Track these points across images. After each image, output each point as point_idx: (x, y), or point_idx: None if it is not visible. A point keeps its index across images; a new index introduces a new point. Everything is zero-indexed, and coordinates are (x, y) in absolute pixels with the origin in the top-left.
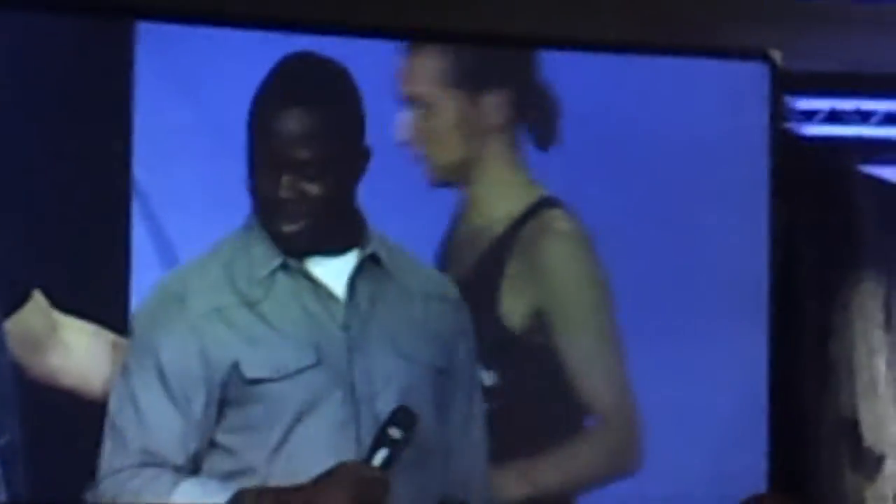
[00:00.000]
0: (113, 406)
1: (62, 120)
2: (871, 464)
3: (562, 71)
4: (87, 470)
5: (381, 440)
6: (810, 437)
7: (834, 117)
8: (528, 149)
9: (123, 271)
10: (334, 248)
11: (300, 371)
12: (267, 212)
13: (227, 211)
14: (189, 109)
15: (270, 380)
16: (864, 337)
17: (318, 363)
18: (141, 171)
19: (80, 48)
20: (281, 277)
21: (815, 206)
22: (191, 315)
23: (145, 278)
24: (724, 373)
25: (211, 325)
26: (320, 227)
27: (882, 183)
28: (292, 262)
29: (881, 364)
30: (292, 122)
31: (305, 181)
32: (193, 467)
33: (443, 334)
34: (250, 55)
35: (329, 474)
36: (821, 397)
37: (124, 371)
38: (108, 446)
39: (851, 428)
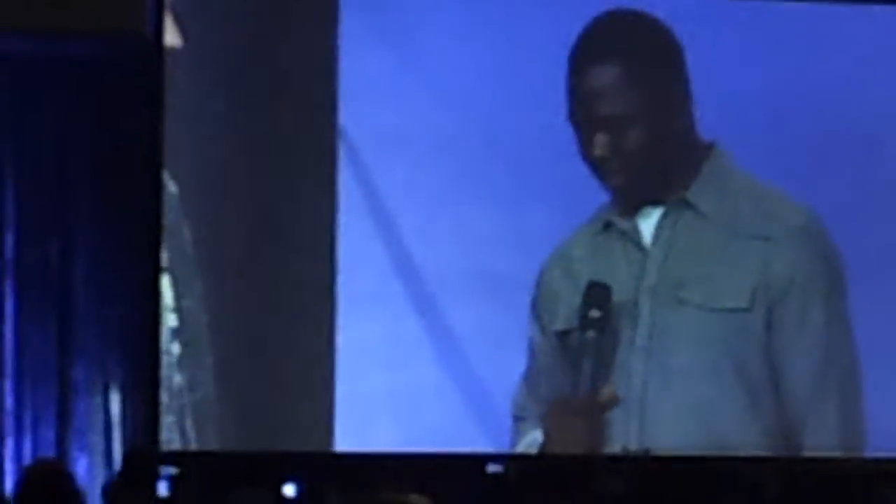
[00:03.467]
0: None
1: (268, 66)
2: None
3: (770, 22)
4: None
5: (584, 324)
6: None
7: None
8: None
9: (330, 217)
10: (657, 200)
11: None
12: (594, 170)
13: (436, 156)
14: (394, 57)
15: (566, 331)
16: None
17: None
18: (347, 117)
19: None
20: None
21: None
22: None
23: (352, 223)
24: None
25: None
26: (642, 181)
27: None
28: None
29: None
30: (601, 73)
31: (621, 138)
32: None
33: (750, 275)
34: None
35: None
36: None
37: None
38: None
39: None
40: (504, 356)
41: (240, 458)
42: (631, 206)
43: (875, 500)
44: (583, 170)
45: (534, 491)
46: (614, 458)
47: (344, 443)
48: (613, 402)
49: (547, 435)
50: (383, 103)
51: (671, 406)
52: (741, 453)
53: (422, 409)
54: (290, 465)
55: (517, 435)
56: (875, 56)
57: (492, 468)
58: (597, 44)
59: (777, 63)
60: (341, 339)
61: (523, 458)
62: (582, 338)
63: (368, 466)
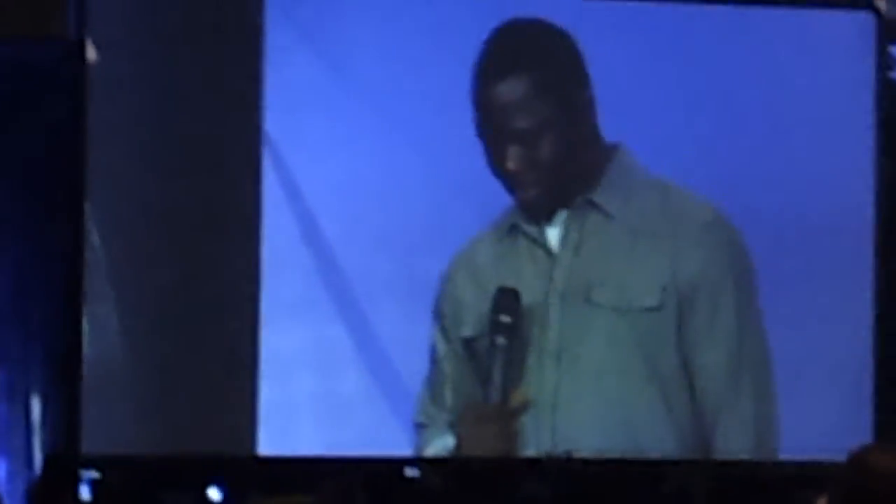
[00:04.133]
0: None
1: (194, 72)
2: None
3: (669, 24)
4: None
5: (494, 330)
6: None
7: None
8: None
9: (254, 217)
10: (564, 204)
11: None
12: (505, 183)
13: (357, 159)
14: (319, 62)
15: (474, 338)
16: None
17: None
18: (272, 123)
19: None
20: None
21: None
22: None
23: (276, 223)
24: (829, 324)
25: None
26: (561, 198)
27: None
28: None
29: None
30: (510, 88)
31: (534, 150)
32: None
33: (660, 274)
34: (378, 9)
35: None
36: None
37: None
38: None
39: None
40: (428, 361)
41: (163, 462)
42: (537, 210)
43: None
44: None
45: (454, 495)
46: (537, 462)
47: (268, 448)
48: (525, 406)
49: (459, 441)
50: (308, 109)
51: (585, 409)
52: (659, 454)
53: (346, 415)
54: (214, 469)
55: (422, 441)
56: (776, 56)
57: (409, 472)
58: (501, 57)
59: (677, 63)
60: (265, 345)
61: (443, 462)
62: (492, 343)
63: (290, 471)
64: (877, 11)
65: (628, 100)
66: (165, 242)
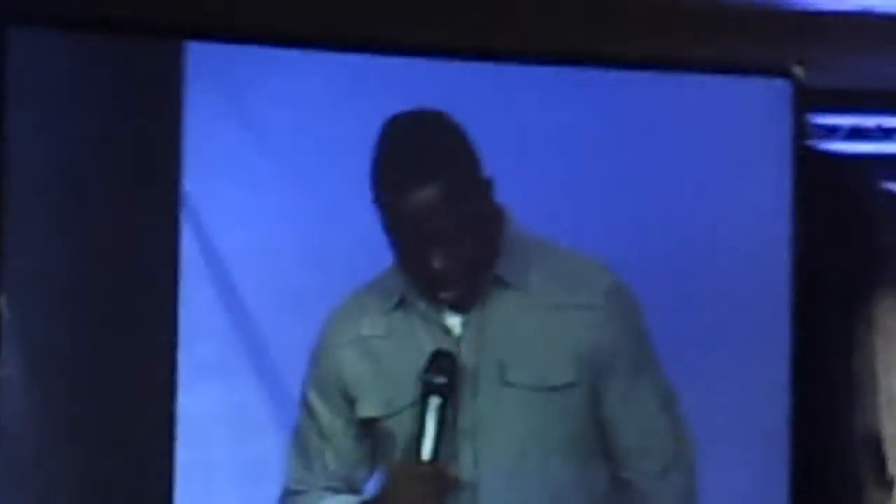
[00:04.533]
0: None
1: (111, 138)
2: (890, 482)
3: (580, 89)
4: None
5: (427, 390)
6: (833, 455)
7: (856, 134)
8: None
9: (172, 285)
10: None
11: (407, 407)
12: (421, 281)
13: (280, 226)
14: (239, 127)
15: (375, 419)
16: (886, 353)
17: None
18: (192, 185)
19: (128, 67)
20: (400, 315)
21: (838, 223)
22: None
23: (196, 292)
24: (744, 390)
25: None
26: (475, 286)
27: None
28: (410, 298)
29: None
30: (425, 195)
31: (455, 248)
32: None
33: (571, 347)
34: (300, 74)
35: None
36: (844, 414)
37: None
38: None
39: (875, 445)
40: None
41: None
42: (430, 286)
43: None
44: None
45: None
46: None
47: None
48: (456, 483)
49: (384, 496)
50: (228, 174)
51: (508, 488)
52: None
53: (264, 477)
54: None
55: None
56: (689, 121)
57: None
58: (403, 161)
59: (568, 128)
60: (182, 409)
61: None
62: (424, 403)
63: None
64: (794, 78)
65: (511, 164)
66: (79, 303)
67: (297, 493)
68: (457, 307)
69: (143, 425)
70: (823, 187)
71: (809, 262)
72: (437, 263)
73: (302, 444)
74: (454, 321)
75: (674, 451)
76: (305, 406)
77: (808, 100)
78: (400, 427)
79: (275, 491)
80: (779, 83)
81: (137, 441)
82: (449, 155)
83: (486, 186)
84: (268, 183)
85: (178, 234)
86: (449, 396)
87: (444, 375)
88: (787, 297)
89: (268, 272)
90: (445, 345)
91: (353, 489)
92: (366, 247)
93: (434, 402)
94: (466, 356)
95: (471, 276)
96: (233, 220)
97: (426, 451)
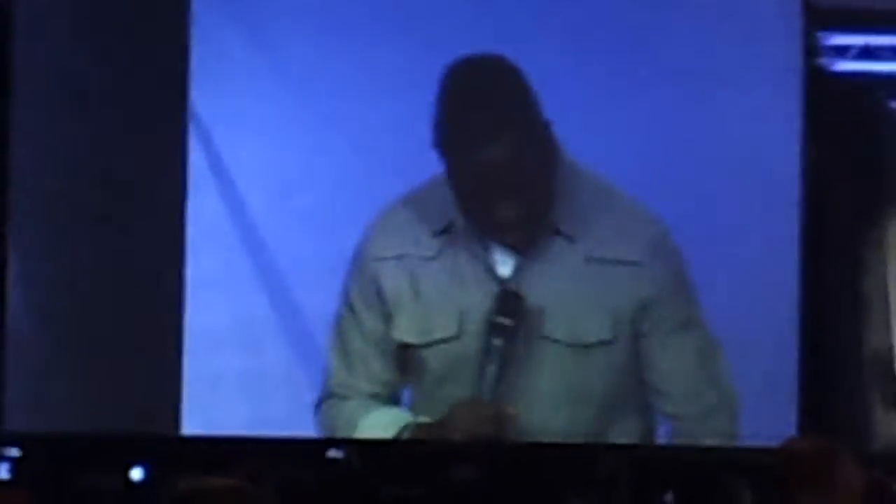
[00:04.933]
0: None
1: (119, 53)
2: None
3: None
4: None
5: (493, 330)
6: (843, 376)
7: (867, 53)
8: None
9: (180, 198)
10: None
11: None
12: (484, 225)
13: (283, 134)
14: (247, 42)
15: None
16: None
17: (458, 336)
18: (198, 99)
19: None
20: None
21: (848, 143)
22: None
23: (202, 199)
24: (754, 311)
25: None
26: (535, 233)
27: None
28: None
29: None
30: (493, 151)
31: (519, 196)
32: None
33: (612, 304)
34: None
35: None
36: (853, 336)
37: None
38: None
39: (884, 366)
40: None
41: (85, 441)
42: (492, 231)
43: (718, 487)
44: (429, 159)
45: (381, 477)
46: (466, 447)
47: (192, 424)
48: (513, 421)
49: (448, 428)
50: (236, 87)
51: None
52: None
53: (271, 392)
54: (137, 449)
55: (342, 413)
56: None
57: (332, 453)
58: (470, 115)
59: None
60: (190, 321)
61: (369, 443)
62: (488, 344)
63: (215, 451)
64: None
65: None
66: (89, 218)
67: (340, 397)
68: (516, 251)
69: (152, 337)
70: (833, 107)
71: (819, 184)
72: (502, 211)
73: (344, 344)
74: (505, 265)
75: (717, 397)
76: (348, 305)
77: (818, 18)
78: (432, 359)
79: (279, 402)
80: (788, 2)
81: (146, 353)
82: (514, 105)
83: (546, 129)
84: (276, 98)
85: (185, 148)
86: (512, 339)
87: (510, 317)
88: (796, 218)
89: (275, 187)
90: (492, 286)
91: (395, 398)
92: (377, 163)
93: (497, 343)
94: (508, 305)
95: (532, 223)
96: (241, 135)
97: (486, 389)
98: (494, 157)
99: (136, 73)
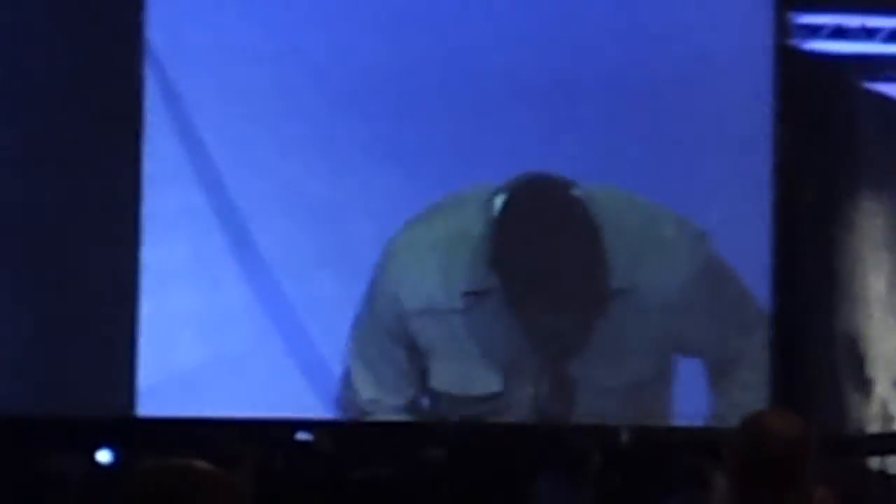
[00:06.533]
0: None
1: None
2: (868, 383)
3: None
4: None
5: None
6: (812, 353)
7: (839, 33)
8: None
9: (135, 132)
10: None
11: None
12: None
13: (243, 72)
14: None
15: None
16: (865, 255)
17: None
18: (154, 31)
19: None
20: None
21: (819, 124)
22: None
23: (158, 143)
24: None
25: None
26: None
27: (886, 100)
28: None
29: (881, 284)
30: (544, 284)
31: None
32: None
33: (651, 347)
34: None
35: None
36: (823, 316)
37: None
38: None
39: (854, 347)
40: (313, 277)
41: (50, 423)
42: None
43: (684, 467)
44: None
45: (352, 458)
46: (434, 426)
47: (147, 365)
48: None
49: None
50: (191, 18)
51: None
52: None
53: (228, 330)
54: (104, 431)
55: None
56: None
57: (301, 436)
58: (525, 245)
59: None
60: (146, 258)
61: (337, 425)
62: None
63: (180, 432)
64: None
65: None
66: (39, 149)
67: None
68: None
69: (107, 275)
70: (804, 87)
71: (790, 163)
72: (547, 321)
73: (368, 356)
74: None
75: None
76: (371, 310)
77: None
78: (467, 408)
79: (237, 341)
80: None
81: (101, 291)
82: (569, 232)
83: (596, 241)
84: (232, 25)
85: (141, 80)
86: None
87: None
88: (768, 197)
89: (233, 120)
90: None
91: (417, 407)
92: (342, 95)
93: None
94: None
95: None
96: (197, 66)
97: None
98: (544, 284)
99: (88, 5)
